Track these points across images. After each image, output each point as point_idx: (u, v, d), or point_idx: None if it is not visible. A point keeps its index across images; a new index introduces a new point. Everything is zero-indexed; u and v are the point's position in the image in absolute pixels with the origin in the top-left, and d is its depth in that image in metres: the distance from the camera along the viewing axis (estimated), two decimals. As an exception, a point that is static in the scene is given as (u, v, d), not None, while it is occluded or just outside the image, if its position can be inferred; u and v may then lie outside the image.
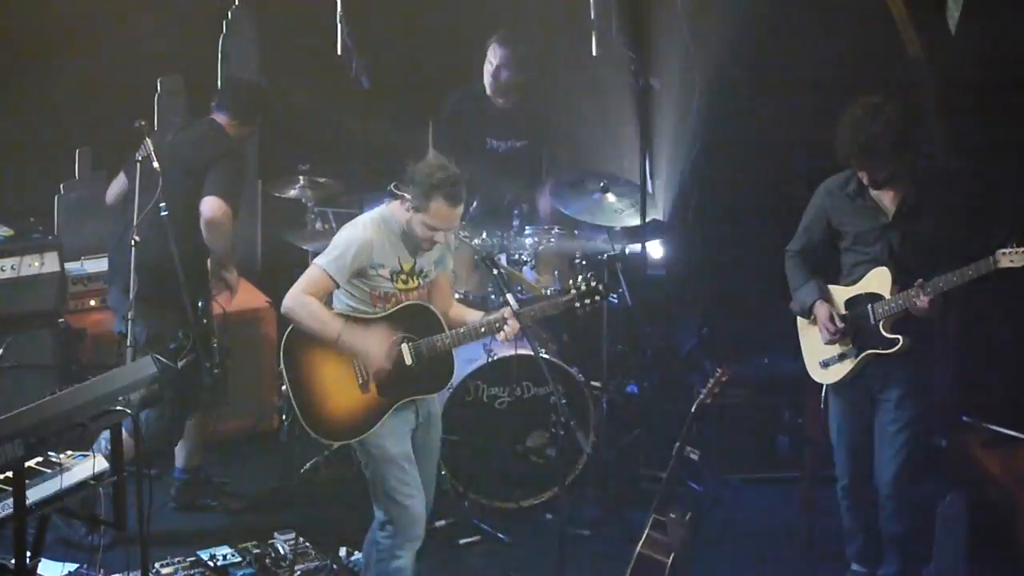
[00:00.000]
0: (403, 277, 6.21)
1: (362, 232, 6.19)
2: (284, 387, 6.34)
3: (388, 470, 6.21)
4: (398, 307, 6.21)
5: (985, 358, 7.91)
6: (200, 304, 7.22)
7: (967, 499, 6.74)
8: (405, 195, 6.13)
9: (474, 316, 6.39)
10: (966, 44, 7.83)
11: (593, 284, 6.37)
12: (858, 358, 6.64)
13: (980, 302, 7.34)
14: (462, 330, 6.26)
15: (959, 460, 7.54)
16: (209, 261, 7.40)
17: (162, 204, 6.95)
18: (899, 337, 6.54)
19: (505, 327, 6.19)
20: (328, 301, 6.28)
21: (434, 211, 6.07)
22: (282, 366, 6.30)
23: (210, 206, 7.21)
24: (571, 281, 6.40)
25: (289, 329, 6.26)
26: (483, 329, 6.27)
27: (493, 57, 8.22)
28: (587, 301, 6.37)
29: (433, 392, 6.34)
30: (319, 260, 6.21)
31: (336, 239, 6.24)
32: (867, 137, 6.38)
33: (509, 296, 6.11)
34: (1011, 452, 7.29)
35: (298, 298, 6.18)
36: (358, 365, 6.20)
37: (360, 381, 6.21)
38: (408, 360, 6.20)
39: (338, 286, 6.17)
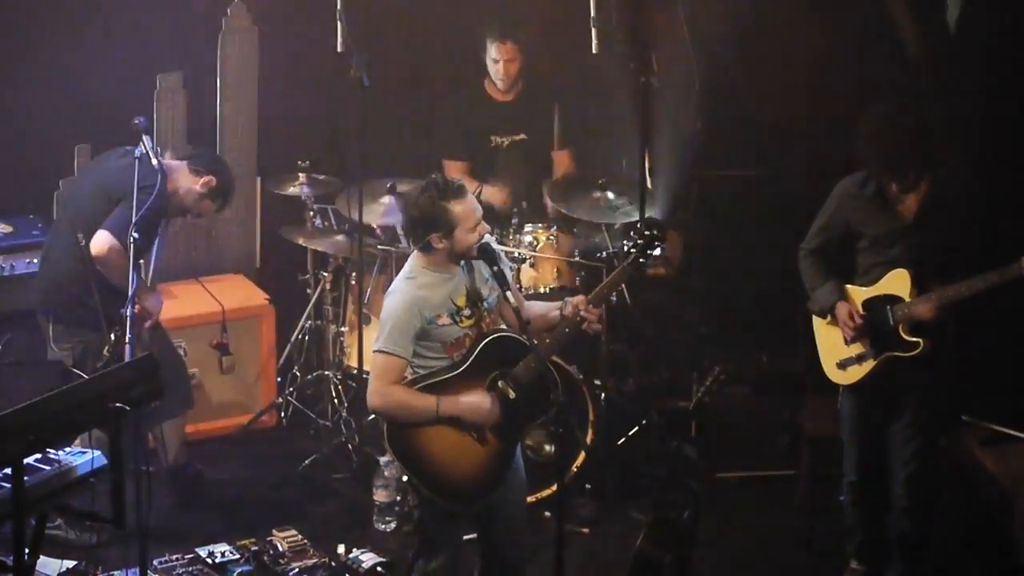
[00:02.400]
0: (466, 312, 5.97)
1: (401, 297, 5.92)
2: (405, 478, 6.02)
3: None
4: (476, 351, 5.95)
5: (984, 356, 7.90)
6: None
7: (965, 497, 6.74)
8: (433, 235, 5.88)
9: (544, 309, 6.16)
10: (965, 42, 7.84)
11: (648, 232, 6.08)
12: (876, 360, 6.62)
13: (978, 299, 7.34)
14: (548, 340, 6.02)
15: (957, 458, 7.54)
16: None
17: (80, 234, 6.92)
18: (919, 340, 6.52)
19: (586, 317, 5.98)
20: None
21: (460, 214, 5.85)
22: (397, 462, 6.01)
23: (97, 242, 7.01)
24: (625, 243, 6.18)
25: (386, 428, 5.97)
26: (567, 330, 6.03)
27: (496, 54, 8.20)
28: (650, 251, 6.08)
29: (546, 413, 6.04)
30: (377, 344, 5.93)
31: (382, 316, 5.96)
32: (893, 148, 6.36)
33: (509, 294, 6.04)
34: (1009, 451, 7.29)
35: (380, 393, 5.88)
36: (466, 423, 5.97)
37: (475, 436, 5.97)
38: (512, 395, 5.97)
39: (409, 361, 5.91)
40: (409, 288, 5.94)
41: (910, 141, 6.36)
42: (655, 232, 6.10)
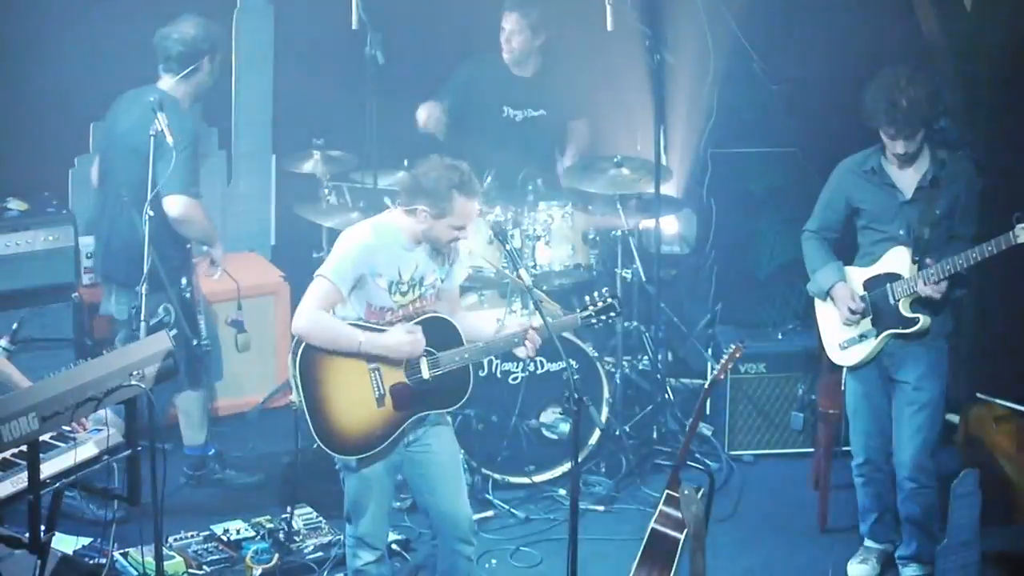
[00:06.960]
0: (402, 288, 6.04)
1: (362, 236, 6.01)
2: (297, 404, 6.04)
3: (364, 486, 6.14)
4: (419, 319, 6.03)
5: (999, 334, 7.89)
6: (184, 281, 7.16)
7: (980, 475, 6.73)
8: (419, 207, 5.96)
9: (486, 325, 6.26)
10: (982, 21, 7.81)
11: (609, 301, 6.25)
12: (878, 338, 6.62)
13: (994, 277, 7.33)
14: (481, 345, 6.10)
15: (972, 436, 7.53)
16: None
17: (123, 191, 6.97)
18: (919, 316, 6.52)
19: (526, 343, 6.09)
20: None
21: (459, 210, 5.94)
22: (296, 384, 6.00)
23: (174, 205, 7.02)
24: (588, 297, 6.29)
25: (302, 347, 5.96)
26: (502, 344, 6.14)
27: (505, 23, 8.19)
28: (603, 317, 6.28)
29: (448, 407, 6.15)
30: (321, 269, 6.00)
31: (336, 246, 6.06)
32: (908, 102, 6.35)
33: (521, 274, 6.04)
34: (1024, 428, 7.30)
35: (308, 315, 5.92)
36: (375, 378, 6.01)
37: (377, 395, 6.03)
38: (425, 373, 6.03)
39: (344, 297, 5.96)
40: (372, 235, 6.02)
41: (920, 98, 6.35)
42: (615, 305, 6.26)
